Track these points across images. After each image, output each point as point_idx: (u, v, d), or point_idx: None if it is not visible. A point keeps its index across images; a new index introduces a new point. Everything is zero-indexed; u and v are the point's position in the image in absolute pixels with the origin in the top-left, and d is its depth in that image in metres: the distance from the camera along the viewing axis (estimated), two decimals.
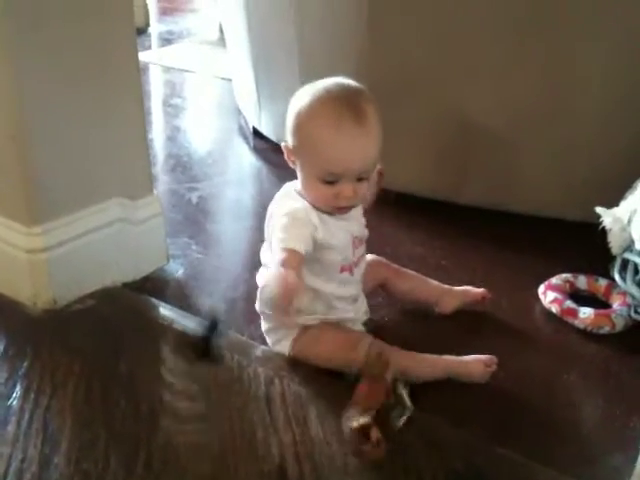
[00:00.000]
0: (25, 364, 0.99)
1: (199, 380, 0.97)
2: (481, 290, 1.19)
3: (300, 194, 0.99)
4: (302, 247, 0.92)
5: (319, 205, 0.97)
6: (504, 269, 1.35)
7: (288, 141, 0.98)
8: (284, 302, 0.84)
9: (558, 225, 1.43)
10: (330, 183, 0.94)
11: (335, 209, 0.97)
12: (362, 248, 1.05)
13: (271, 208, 1.01)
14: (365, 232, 1.05)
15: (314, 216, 0.96)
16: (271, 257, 0.98)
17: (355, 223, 1.02)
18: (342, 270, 1.01)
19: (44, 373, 0.97)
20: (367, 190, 0.98)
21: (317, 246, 0.95)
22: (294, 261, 0.89)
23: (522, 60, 1.35)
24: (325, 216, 0.97)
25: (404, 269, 1.19)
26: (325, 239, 0.96)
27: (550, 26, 1.30)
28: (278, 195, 1.03)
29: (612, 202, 1.22)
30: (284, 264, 0.88)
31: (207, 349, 0.98)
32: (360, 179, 0.95)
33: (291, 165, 1.00)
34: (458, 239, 1.46)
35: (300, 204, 0.97)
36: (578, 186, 1.42)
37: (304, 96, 0.96)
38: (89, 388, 0.95)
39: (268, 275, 0.87)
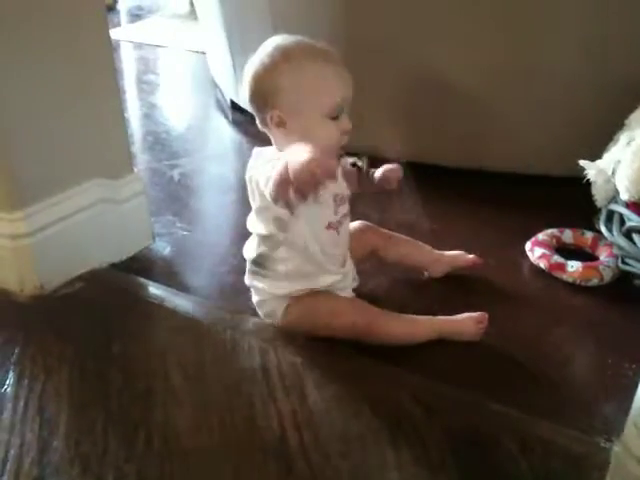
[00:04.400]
0: (16, 351, 0.98)
1: (194, 356, 0.97)
2: (472, 256, 1.19)
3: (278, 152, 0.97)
4: None
5: (330, 150, 0.95)
6: (490, 229, 1.35)
7: (272, 110, 0.94)
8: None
9: (542, 181, 1.44)
10: (334, 119, 0.95)
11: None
12: (344, 207, 1.02)
13: (249, 174, 0.99)
14: (345, 190, 1.03)
15: None
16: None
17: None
18: (328, 227, 1.00)
19: (36, 359, 0.97)
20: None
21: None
22: None
23: (497, 18, 1.35)
24: None
25: (394, 234, 1.18)
26: None
27: None
28: (252, 161, 1.00)
29: (595, 155, 1.23)
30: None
31: None
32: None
33: (279, 131, 0.96)
34: (444, 202, 1.46)
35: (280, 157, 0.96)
36: (559, 141, 1.42)
37: (271, 57, 0.94)
38: (83, 371, 0.94)
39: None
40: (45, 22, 1.04)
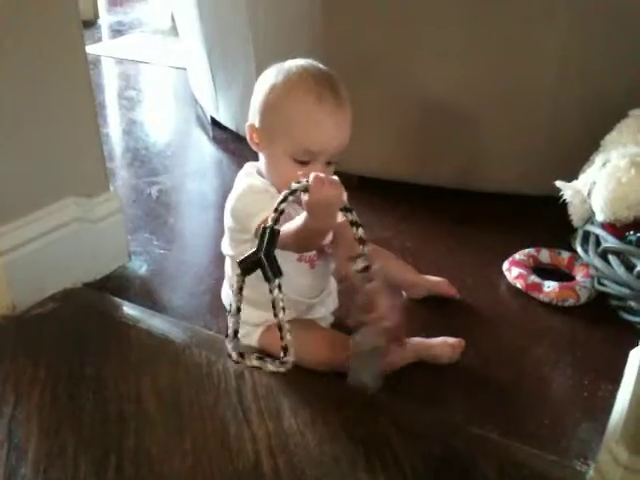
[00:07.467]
0: None
1: (168, 379, 0.96)
2: (453, 291, 1.18)
3: (260, 174, 0.96)
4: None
5: (284, 188, 0.92)
6: (468, 248, 1.36)
7: (254, 121, 0.94)
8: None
9: (519, 201, 1.44)
10: (302, 163, 0.90)
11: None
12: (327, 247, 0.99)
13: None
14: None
15: (274, 192, 0.92)
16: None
17: None
18: (300, 259, 0.97)
19: (7, 381, 0.95)
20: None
21: None
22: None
23: (480, 39, 1.36)
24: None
25: (380, 249, 1.13)
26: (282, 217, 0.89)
27: (508, 6, 1.31)
28: (239, 175, 0.99)
29: (572, 176, 1.23)
30: None
31: None
32: (328, 163, 0.92)
33: (254, 147, 0.96)
34: (422, 220, 1.46)
35: (258, 181, 0.95)
36: (538, 161, 1.43)
37: (277, 73, 0.93)
38: (55, 394, 0.92)
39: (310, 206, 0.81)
40: (18, 39, 1.03)
